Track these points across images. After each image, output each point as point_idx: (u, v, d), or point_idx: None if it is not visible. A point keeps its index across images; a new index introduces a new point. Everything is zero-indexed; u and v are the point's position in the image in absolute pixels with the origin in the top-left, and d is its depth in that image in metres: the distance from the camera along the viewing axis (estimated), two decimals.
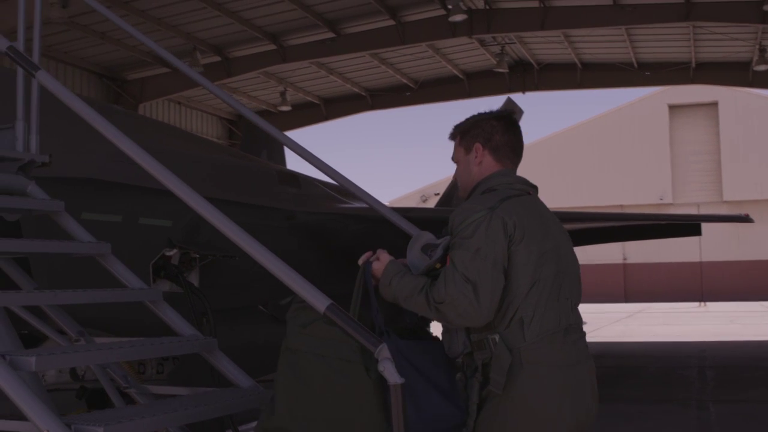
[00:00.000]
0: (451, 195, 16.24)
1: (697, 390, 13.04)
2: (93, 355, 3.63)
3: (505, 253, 3.44)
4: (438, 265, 3.49)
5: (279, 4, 20.05)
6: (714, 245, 43.93)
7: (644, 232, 17.30)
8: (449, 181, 17.64)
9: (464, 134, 3.90)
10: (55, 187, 5.65)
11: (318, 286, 3.43)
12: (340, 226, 9.87)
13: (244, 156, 10.60)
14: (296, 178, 9.95)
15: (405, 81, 26.82)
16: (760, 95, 44.92)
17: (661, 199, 48.70)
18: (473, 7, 21.08)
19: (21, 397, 3.01)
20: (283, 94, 26.61)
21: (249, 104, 28.25)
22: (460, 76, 26.65)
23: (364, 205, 11.22)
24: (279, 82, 26.15)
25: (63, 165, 6.19)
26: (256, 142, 13.98)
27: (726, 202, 46.35)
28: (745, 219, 17.92)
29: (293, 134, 26.74)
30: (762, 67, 23.32)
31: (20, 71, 4.87)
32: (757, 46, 22.83)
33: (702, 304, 42.10)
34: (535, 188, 3.85)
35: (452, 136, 3.99)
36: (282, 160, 16.46)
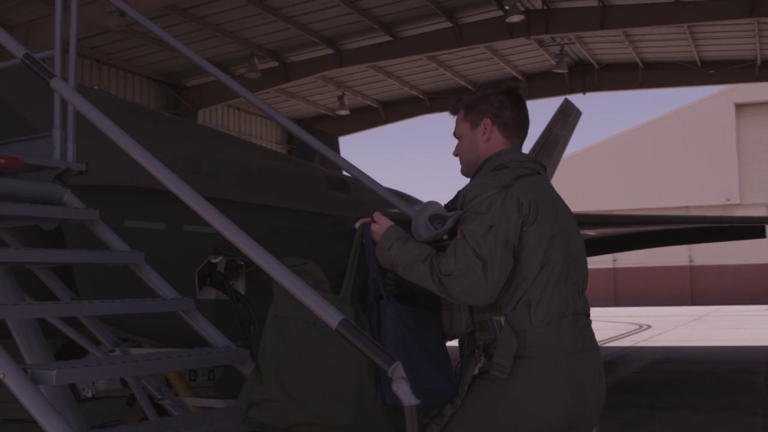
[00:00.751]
0: None
1: (764, 397, 12.62)
2: (117, 368, 3.58)
3: (517, 233, 3.34)
4: (446, 237, 3.38)
5: (335, 9, 20.04)
6: None
7: (708, 234, 16.94)
8: None
9: (470, 108, 3.76)
10: (98, 195, 5.65)
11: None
12: None
13: (295, 161, 10.56)
14: (346, 183, 9.87)
15: (463, 83, 26.61)
16: None
17: (728, 200, 47.85)
18: (531, 8, 20.84)
19: (39, 412, 2.97)
20: (341, 98, 26.63)
21: (307, 109, 28.36)
22: (519, 77, 26.33)
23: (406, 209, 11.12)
24: (337, 86, 26.17)
25: (106, 173, 6.20)
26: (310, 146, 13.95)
27: None
28: None
29: (352, 138, 26.82)
30: None
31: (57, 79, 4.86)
32: None
33: None
34: (544, 168, 3.73)
35: (454, 111, 3.85)
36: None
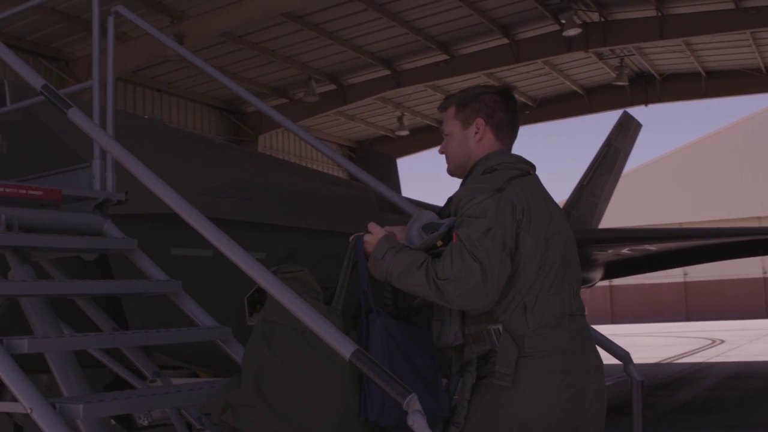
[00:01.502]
0: (568, 213, 15.78)
1: None
2: (146, 400, 3.53)
3: (513, 237, 3.25)
4: (440, 243, 3.30)
5: (391, 29, 20.06)
6: None
7: None
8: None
9: (462, 107, 3.65)
10: (145, 223, 5.67)
11: None
12: None
13: (349, 183, 10.52)
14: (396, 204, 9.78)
15: (523, 99, 26.37)
16: None
17: None
18: (588, 21, 20.58)
19: None
20: (400, 118, 26.61)
21: (367, 131, 28.40)
22: (579, 91, 26.05)
23: None
24: (395, 106, 26.17)
25: (153, 200, 6.22)
26: (367, 167, 13.94)
27: None
28: None
29: (412, 159, 26.71)
30: None
31: (96, 110, 4.89)
32: None
33: None
34: (533, 167, 3.62)
35: (444, 107, 3.74)
36: (396, 184, 16.39)
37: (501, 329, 3.22)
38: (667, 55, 23.85)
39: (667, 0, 19.68)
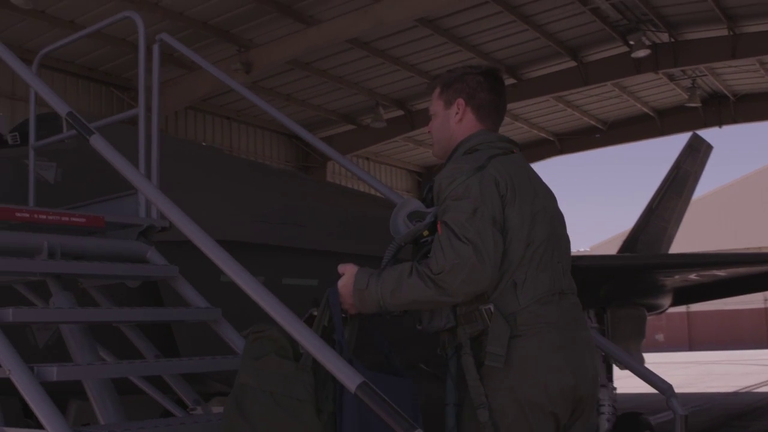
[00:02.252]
0: (636, 238, 15.43)
1: None
2: (173, 429, 3.50)
3: (501, 212, 3.20)
4: (426, 233, 3.25)
5: (456, 54, 20.01)
6: None
7: None
8: None
9: (446, 87, 3.64)
10: (195, 250, 5.68)
11: None
12: None
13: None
14: None
15: (593, 122, 26.07)
16: None
17: None
18: (657, 41, 20.22)
19: None
20: None
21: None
22: (651, 113, 25.60)
23: None
24: None
25: (205, 227, 6.24)
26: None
27: None
28: None
29: None
30: None
31: (141, 138, 4.93)
32: None
33: None
34: (518, 146, 3.56)
35: (431, 87, 3.73)
36: None
37: (492, 309, 3.17)
38: (741, 75, 23.32)
39: (738, 18, 19.24)
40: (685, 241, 18.23)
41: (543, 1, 17.78)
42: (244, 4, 16.41)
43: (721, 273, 10.77)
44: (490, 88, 3.59)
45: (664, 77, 22.66)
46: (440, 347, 3.38)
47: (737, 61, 21.04)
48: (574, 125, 26.62)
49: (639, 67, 20.76)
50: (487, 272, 3.09)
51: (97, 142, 4.16)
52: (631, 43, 19.39)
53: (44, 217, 4.26)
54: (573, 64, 21.17)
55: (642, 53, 19.54)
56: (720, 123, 25.25)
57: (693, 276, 10.74)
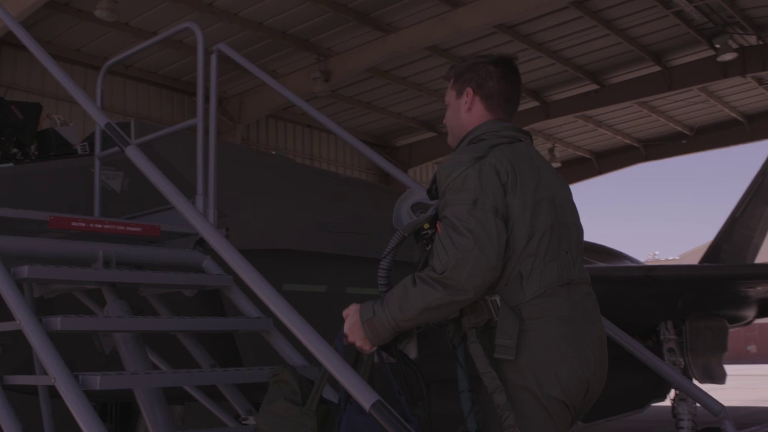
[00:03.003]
0: (719, 247, 14.99)
1: None
2: None
3: (503, 201, 3.13)
4: (427, 225, 3.21)
5: (537, 60, 19.81)
6: None
7: None
8: None
9: (458, 76, 3.60)
10: (258, 258, 5.70)
11: None
12: None
13: None
14: None
15: (679, 128, 25.48)
16: None
17: None
18: (745, 44, 19.67)
19: None
20: (551, 150, 26.13)
21: None
22: (740, 118, 24.88)
23: (602, 264, 10.56)
24: (546, 138, 25.77)
25: (266, 236, 6.27)
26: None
27: None
28: None
29: None
30: None
31: (200, 148, 4.96)
32: None
33: None
34: (528, 135, 3.49)
35: (446, 77, 3.69)
36: None
37: (498, 301, 3.11)
38: None
39: None
40: None
41: (624, 5, 17.46)
42: (323, 13, 16.53)
43: None
44: (500, 77, 3.53)
45: (752, 81, 22.00)
46: (448, 338, 3.36)
47: None
48: (660, 131, 26.06)
49: (726, 70, 20.21)
50: (491, 260, 3.04)
51: (133, 154, 4.20)
52: (717, 46, 18.89)
53: (100, 226, 4.31)
54: (657, 68, 20.73)
55: (728, 57, 19.05)
56: None
57: None
